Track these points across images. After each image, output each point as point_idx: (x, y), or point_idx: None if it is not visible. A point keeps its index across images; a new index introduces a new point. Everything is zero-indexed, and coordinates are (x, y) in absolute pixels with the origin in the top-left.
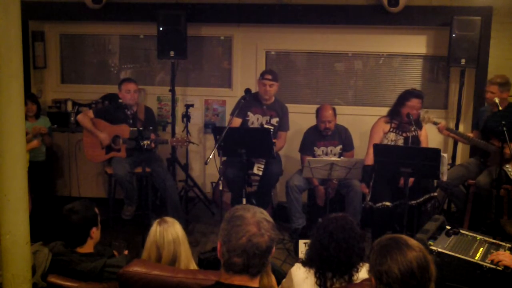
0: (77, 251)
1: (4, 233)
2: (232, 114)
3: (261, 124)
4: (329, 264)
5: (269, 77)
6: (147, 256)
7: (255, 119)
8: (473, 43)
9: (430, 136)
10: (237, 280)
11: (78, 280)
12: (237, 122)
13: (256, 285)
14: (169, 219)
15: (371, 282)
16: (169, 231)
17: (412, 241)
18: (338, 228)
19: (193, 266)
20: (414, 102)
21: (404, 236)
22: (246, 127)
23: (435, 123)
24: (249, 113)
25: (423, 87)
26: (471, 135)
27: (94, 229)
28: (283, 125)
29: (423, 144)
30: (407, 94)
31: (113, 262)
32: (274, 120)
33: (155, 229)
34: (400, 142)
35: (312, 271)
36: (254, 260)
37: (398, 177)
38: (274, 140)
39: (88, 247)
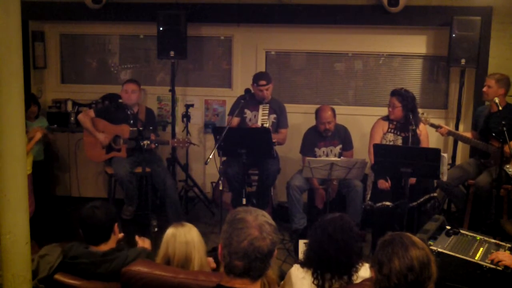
0: (100, 250)
1: (4, 233)
2: (230, 114)
3: (257, 120)
4: (328, 265)
5: (264, 82)
6: (160, 259)
7: (252, 116)
8: (473, 43)
9: (430, 136)
10: (238, 283)
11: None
12: (235, 121)
13: None
14: (187, 224)
15: (371, 274)
16: (182, 233)
17: (417, 239)
18: (337, 229)
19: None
20: (392, 100)
21: (409, 234)
22: (246, 127)
23: (434, 126)
24: (246, 110)
25: (423, 87)
26: (468, 134)
27: (116, 225)
28: (282, 123)
29: (423, 144)
30: (390, 95)
31: (133, 254)
32: (272, 117)
33: (170, 230)
34: (399, 142)
35: (309, 271)
36: (256, 263)
37: (399, 177)
38: (273, 134)
39: (112, 243)
